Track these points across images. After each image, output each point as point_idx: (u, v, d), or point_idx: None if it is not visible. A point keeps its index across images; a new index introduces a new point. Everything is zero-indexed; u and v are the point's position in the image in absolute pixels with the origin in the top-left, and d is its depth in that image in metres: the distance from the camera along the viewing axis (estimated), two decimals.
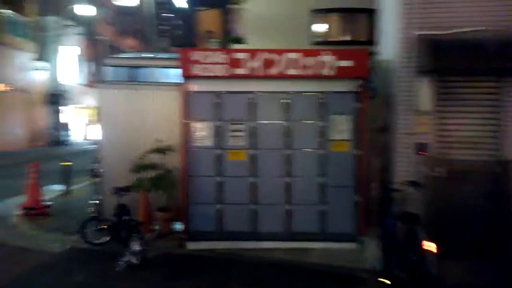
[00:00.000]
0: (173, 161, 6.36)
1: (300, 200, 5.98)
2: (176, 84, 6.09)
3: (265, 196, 5.98)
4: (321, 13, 13.65)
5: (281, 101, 5.94)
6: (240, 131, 5.97)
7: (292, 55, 5.70)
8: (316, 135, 5.93)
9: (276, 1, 11.84)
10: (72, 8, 20.97)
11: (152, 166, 6.32)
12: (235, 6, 14.84)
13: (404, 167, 5.41)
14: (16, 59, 19.54)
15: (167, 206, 6.40)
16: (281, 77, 5.77)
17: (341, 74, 5.71)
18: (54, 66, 21.69)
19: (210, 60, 5.73)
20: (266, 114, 5.97)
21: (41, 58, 20.89)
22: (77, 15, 21.36)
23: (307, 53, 5.73)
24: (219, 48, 5.69)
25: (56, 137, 21.63)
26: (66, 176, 9.37)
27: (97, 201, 5.96)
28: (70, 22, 21.73)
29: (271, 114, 5.97)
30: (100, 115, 6.78)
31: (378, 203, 4.65)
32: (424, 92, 5.12)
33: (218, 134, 5.97)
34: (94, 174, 5.88)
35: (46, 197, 9.04)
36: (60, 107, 21.89)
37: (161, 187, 6.11)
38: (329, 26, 13.50)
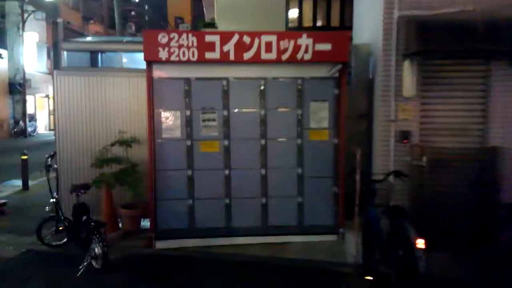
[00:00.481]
0: (140, 154, 5.88)
1: (277, 192, 5.63)
2: (143, 71, 5.56)
3: (240, 189, 5.60)
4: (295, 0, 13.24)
5: (256, 88, 5.52)
6: (212, 120, 5.54)
7: (268, 38, 5.27)
8: (293, 123, 5.58)
9: None
10: None
11: (116, 160, 5.81)
12: None
13: (386, 156, 5.14)
14: None
15: (133, 202, 5.91)
16: (256, 62, 5.35)
17: (319, 58, 5.35)
18: (16, 54, 20.36)
19: (178, 43, 5.23)
20: (240, 102, 5.56)
21: (0, 45, 19.54)
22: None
23: (283, 35, 5.32)
24: (187, 30, 5.13)
25: (19, 128, 20.43)
26: (24, 171, 8.68)
27: (54, 199, 5.40)
28: (31, 7, 20.39)
29: (245, 102, 5.56)
30: (57, 105, 6.16)
31: (360, 195, 4.35)
32: (407, 77, 4.83)
33: (189, 124, 5.51)
34: (48, 169, 5.30)
35: (2, 194, 8.36)
36: (24, 97, 20.64)
37: (125, 183, 5.61)
38: (304, 11, 13.15)
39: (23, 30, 19.64)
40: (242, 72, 5.50)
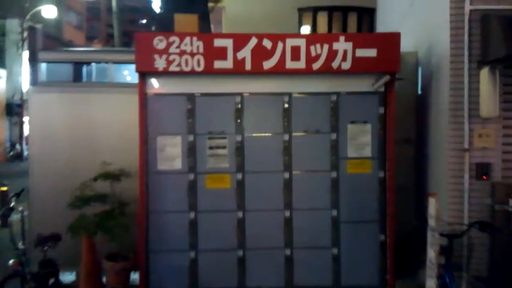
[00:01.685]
0: (133, 189, 4.62)
1: (305, 241, 4.33)
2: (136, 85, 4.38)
3: (257, 238, 4.30)
4: (308, 12, 12.14)
5: (279, 106, 4.30)
6: (222, 148, 4.31)
7: (294, 42, 4.10)
8: (326, 152, 4.32)
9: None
10: (36, 11, 19.01)
11: (99, 198, 4.55)
12: (214, 6, 13.33)
13: (458, 198, 3.83)
14: None
15: (120, 251, 4.61)
16: (279, 72, 4.16)
17: (361, 68, 4.14)
18: (14, 73, 19.54)
19: (179, 48, 4.06)
20: (258, 124, 4.33)
21: None
22: (41, 18, 19.40)
23: (315, 39, 4.14)
24: (192, 33, 3.96)
25: (15, 152, 19.39)
26: (2, 204, 7.44)
27: (20, 251, 4.12)
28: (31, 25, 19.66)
29: (264, 124, 4.33)
30: (31, 128, 4.99)
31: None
32: (486, 91, 3.58)
33: (192, 152, 4.28)
34: (8, 213, 4.02)
35: None
36: (21, 119, 19.70)
37: (109, 229, 4.33)
38: (318, 25, 12.08)
39: (22, 49, 18.89)
40: (261, 86, 4.30)
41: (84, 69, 5.43)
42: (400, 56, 4.16)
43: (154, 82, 4.28)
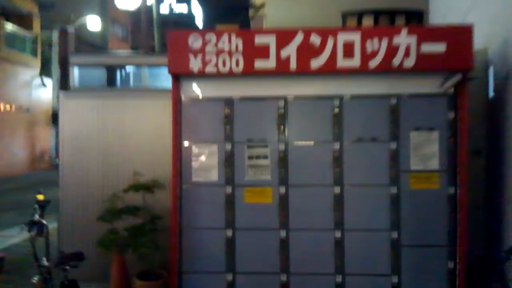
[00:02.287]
0: (165, 202, 4.24)
1: (359, 267, 3.73)
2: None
3: (303, 261, 3.76)
4: (352, 16, 11.39)
5: (329, 110, 3.76)
6: (263, 157, 3.82)
7: (347, 36, 3.55)
8: (384, 163, 3.71)
9: (299, 5, 9.80)
10: (81, 21, 19.61)
11: (130, 211, 4.20)
12: (255, 14, 13.03)
13: None
14: (19, 76, 18.09)
15: (152, 270, 4.22)
16: (329, 72, 3.62)
17: (426, 65, 3.52)
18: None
19: (216, 47, 3.64)
20: (304, 132, 3.82)
21: (46, 74, 19.45)
22: (86, 30, 20.00)
23: (372, 33, 3.57)
24: (229, 28, 3.51)
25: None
26: (40, 213, 7.34)
27: (44, 268, 3.82)
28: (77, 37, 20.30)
29: (311, 131, 3.81)
30: (62, 136, 4.76)
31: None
32: None
33: (229, 162, 3.83)
34: (31, 227, 3.73)
35: (11, 241, 7.04)
36: None
37: (139, 246, 3.94)
38: None
39: None
40: (308, 88, 3.79)
41: (118, 74, 5.17)
42: (473, 50, 3.50)
43: (189, 85, 3.88)
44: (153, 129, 4.58)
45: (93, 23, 20.10)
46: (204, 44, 3.65)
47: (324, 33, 3.56)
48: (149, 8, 14.54)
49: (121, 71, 5.12)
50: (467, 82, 3.56)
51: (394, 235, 3.71)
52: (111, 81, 4.97)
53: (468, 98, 3.60)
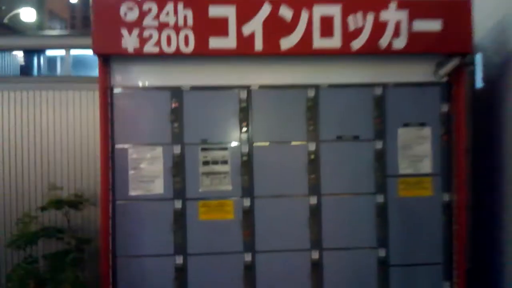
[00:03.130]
0: (97, 220, 3.32)
1: None
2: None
3: None
4: None
5: (301, 102, 3.04)
6: (222, 163, 3.02)
7: (325, 10, 2.84)
8: (368, 166, 3.06)
9: None
10: (15, 14, 17.60)
11: (50, 235, 3.25)
12: None
13: None
14: None
15: None
16: (303, 54, 2.90)
17: (419, 47, 2.91)
18: None
19: (158, 20, 2.78)
20: (272, 130, 3.06)
21: None
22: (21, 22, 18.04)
23: (355, 5, 2.87)
24: None
25: None
26: None
27: None
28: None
29: (281, 128, 3.06)
30: None
31: None
32: None
33: (178, 170, 2.98)
34: None
35: None
36: None
37: (62, 282, 2.99)
38: None
39: None
40: (277, 75, 3.03)
41: (39, 61, 4.13)
42: (472, 30, 2.93)
43: (123, 70, 2.98)
44: (82, 128, 3.62)
45: (27, 14, 18.13)
46: (142, 15, 2.78)
47: (297, 5, 2.82)
48: None
49: (40, 58, 4.08)
50: (465, 68, 2.99)
51: (382, 252, 3.07)
52: (27, 68, 3.93)
53: (465, 87, 3.03)
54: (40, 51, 3.99)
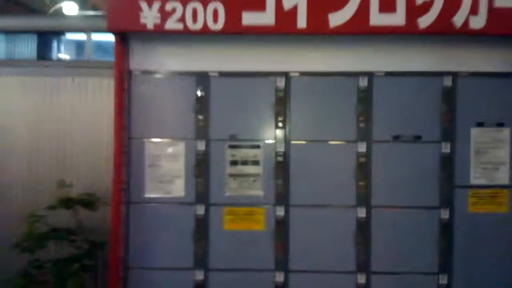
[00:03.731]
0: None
1: None
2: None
3: None
4: None
5: (350, 93, 2.52)
6: (252, 163, 2.55)
7: None
8: (432, 174, 2.49)
9: None
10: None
11: (60, 237, 2.89)
12: None
13: None
14: None
15: None
16: (356, 33, 2.38)
17: (502, 27, 2.31)
18: None
19: None
20: (314, 126, 2.56)
21: None
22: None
23: None
24: None
25: None
26: None
27: None
28: None
29: (325, 124, 2.55)
30: None
31: None
32: None
33: (201, 170, 2.54)
34: None
35: None
36: None
37: None
38: None
39: None
40: (322, 60, 2.53)
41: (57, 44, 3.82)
42: None
43: (142, 51, 2.57)
44: (101, 118, 3.25)
45: (70, 8, 18.46)
46: None
47: None
48: None
49: (59, 41, 3.78)
50: None
51: (443, 279, 2.50)
52: (43, 52, 3.62)
53: None
54: (59, 33, 3.67)
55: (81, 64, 3.51)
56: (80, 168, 3.18)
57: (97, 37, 3.71)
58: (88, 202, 2.96)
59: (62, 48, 3.77)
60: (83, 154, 3.19)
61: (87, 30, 3.45)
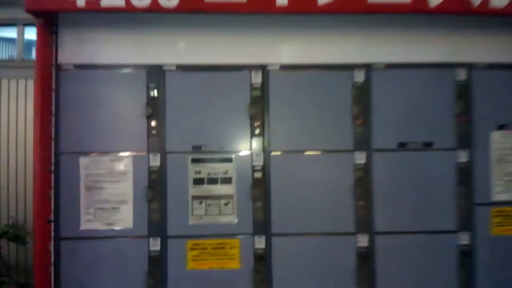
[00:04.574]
0: None
1: None
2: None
3: None
4: None
5: (344, 90, 2.00)
6: (223, 181, 1.98)
7: None
8: (447, 189, 1.99)
9: None
10: None
11: None
12: None
13: None
14: None
15: None
16: (348, 12, 1.87)
17: None
18: None
19: None
20: (299, 132, 2.01)
21: None
22: None
23: None
24: None
25: None
26: None
27: None
28: None
29: (313, 130, 2.01)
30: None
31: None
32: None
33: (157, 192, 1.93)
34: None
35: None
36: None
37: None
38: None
39: None
40: (308, 49, 2.00)
41: None
42: None
43: (73, 39, 1.96)
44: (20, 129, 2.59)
45: None
46: None
47: None
48: None
49: None
50: None
51: None
52: None
53: None
54: None
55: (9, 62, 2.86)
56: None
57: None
58: (15, 235, 2.30)
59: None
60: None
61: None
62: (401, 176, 2.00)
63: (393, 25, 1.97)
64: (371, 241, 1.97)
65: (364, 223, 1.97)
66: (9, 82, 2.78)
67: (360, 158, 1.99)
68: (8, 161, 2.66)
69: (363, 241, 1.97)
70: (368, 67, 2.00)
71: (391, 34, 1.99)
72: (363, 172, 1.98)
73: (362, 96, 1.99)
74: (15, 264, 2.35)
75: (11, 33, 3.07)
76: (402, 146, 2.01)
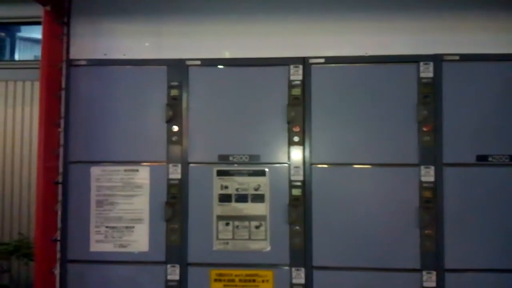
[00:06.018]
0: None
1: None
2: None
3: None
4: None
5: (407, 88, 1.60)
6: (252, 198, 1.63)
7: None
8: None
9: None
10: None
11: None
12: None
13: None
14: None
15: None
16: None
17: None
18: None
19: None
20: (347, 140, 1.63)
21: None
22: None
23: None
24: None
25: None
26: None
27: None
28: None
29: (365, 139, 1.62)
30: None
31: None
32: None
33: (176, 209, 1.63)
34: None
35: None
36: None
37: None
38: None
39: None
40: (358, 39, 1.63)
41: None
42: None
43: (87, 31, 1.72)
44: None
45: None
46: None
47: None
48: None
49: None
50: None
51: None
52: None
53: None
54: None
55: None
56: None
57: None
58: (24, 253, 2.09)
59: None
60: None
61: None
62: (480, 198, 1.57)
63: (467, 5, 1.55)
64: (441, 279, 1.55)
65: (432, 258, 1.56)
66: (32, 85, 2.63)
67: (428, 174, 1.58)
68: (29, 173, 2.49)
69: (430, 280, 1.55)
70: (436, 59, 1.59)
71: (466, 17, 1.58)
72: (431, 193, 1.57)
73: (430, 95, 1.59)
74: (24, 282, 2.15)
75: (36, 34, 2.94)
76: (482, 159, 1.58)
